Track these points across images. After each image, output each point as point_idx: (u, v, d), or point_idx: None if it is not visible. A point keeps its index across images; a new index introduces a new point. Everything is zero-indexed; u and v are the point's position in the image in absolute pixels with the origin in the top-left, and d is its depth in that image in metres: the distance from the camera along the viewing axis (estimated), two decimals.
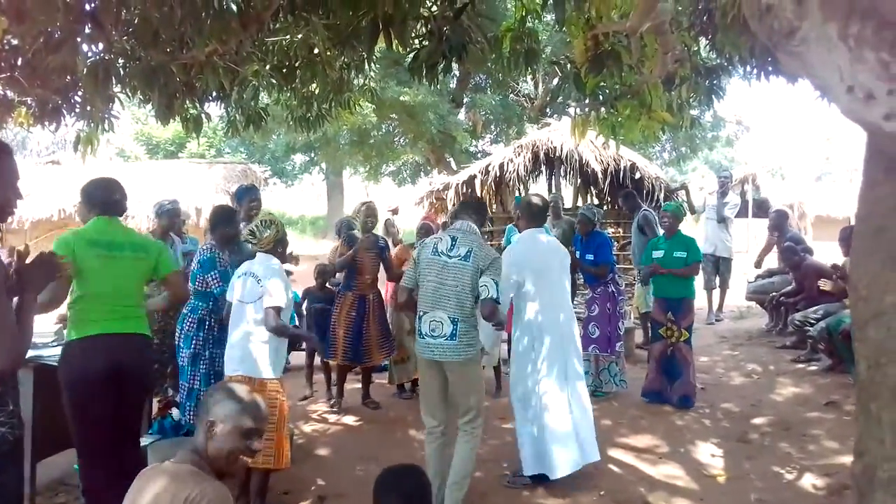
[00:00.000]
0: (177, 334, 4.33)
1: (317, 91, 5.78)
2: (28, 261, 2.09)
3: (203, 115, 5.37)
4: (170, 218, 5.41)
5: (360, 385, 5.97)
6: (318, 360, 6.26)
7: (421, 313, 3.73)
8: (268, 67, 5.03)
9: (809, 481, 4.25)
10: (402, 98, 12.36)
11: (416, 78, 4.81)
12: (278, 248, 3.90)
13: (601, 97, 6.09)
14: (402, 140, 15.34)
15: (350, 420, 5.48)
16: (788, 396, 6.11)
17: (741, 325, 9.34)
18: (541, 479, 4.21)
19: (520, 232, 4.59)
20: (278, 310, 3.68)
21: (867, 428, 1.27)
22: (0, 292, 1.89)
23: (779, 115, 59.04)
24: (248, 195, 5.42)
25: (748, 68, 6.04)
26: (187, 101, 5.18)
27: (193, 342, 4.21)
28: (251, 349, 3.68)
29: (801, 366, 7.05)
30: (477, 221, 3.89)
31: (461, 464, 3.71)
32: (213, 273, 4.20)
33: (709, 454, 4.77)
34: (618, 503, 4.00)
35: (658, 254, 6.01)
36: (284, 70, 5.06)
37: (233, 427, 1.90)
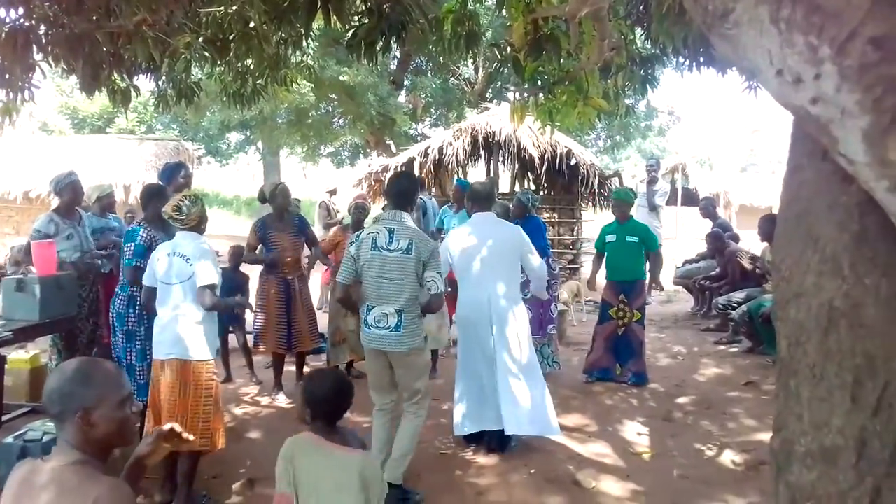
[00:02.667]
0: (110, 314, 4.26)
1: (252, 66, 5.61)
2: None
3: (132, 89, 5.13)
4: (72, 193, 5.08)
5: (294, 369, 5.85)
6: (234, 342, 6.15)
7: (368, 306, 3.72)
8: (200, 40, 4.84)
9: (729, 457, 4.43)
10: (341, 78, 12.15)
11: (355, 56, 4.72)
12: (202, 224, 3.77)
13: (539, 82, 6.13)
14: (341, 121, 15.10)
15: (284, 403, 5.39)
16: (711, 377, 6.37)
17: (668, 309, 9.66)
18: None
19: (470, 215, 4.72)
20: (213, 288, 3.57)
21: (786, 404, 1.32)
22: None
23: (708, 106, 61.01)
24: (178, 172, 5.19)
25: (680, 59, 6.17)
26: (115, 73, 4.94)
27: (126, 320, 4.14)
28: (182, 331, 3.55)
29: (723, 347, 7.36)
30: (406, 208, 3.83)
31: (404, 441, 3.77)
32: (128, 245, 4.10)
33: (635, 432, 4.91)
34: (548, 481, 4.07)
35: (611, 238, 6.15)
36: (218, 43, 4.88)
37: (110, 404, 1.68)
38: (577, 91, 5.80)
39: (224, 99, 6.32)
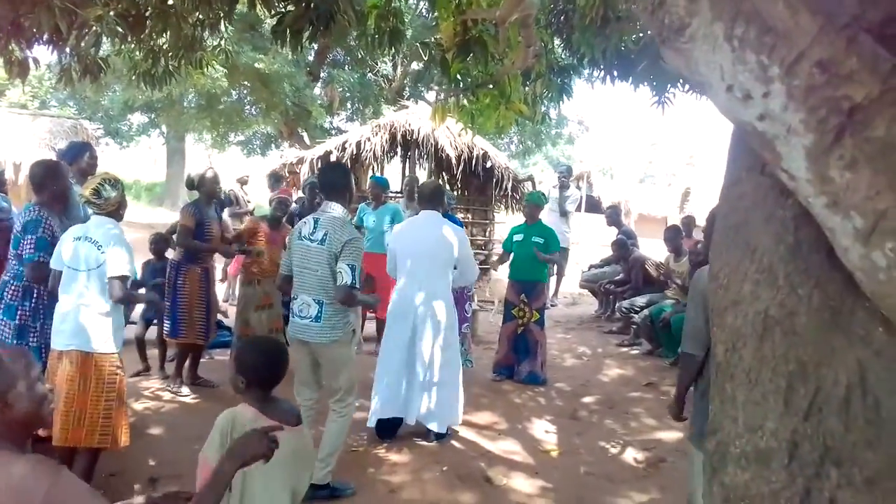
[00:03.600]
0: None
1: (166, 46, 5.33)
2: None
3: (31, 60, 4.75)
4: None
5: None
6: (149, 333, 5.82)
7: (293, 296, 3.73)
8: (112, 14, 4.55)
9: (631, 455, 4.62)
10: (256, 65, 11.75)
11: (279, 43, 4.59)
12: (120, 210, 3.53)
13: (462, 84, 6.16)
14: (253, 109, 14.62)
15: (187, 398, 5.15)
16: (614, 377, 6.62)
17: (574, 311, 9.97)
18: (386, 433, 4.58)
19: (416, 213, 4.94)
20: (124, 279, 3.35)
21: (722, 407, 1.37)
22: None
23: (610, 118, 63.46)
24: (83, 152, 4.82)
25: (595, 71, 6.34)
26: (12, 43, 4.56)
27: (19, 313, 3.70)
28: (86, 321, 3.31)
29: (625, 349, 7.66)
30: (339, 199, 3.76)
31: (329, 440, 3.72)
32: (28, 237, 3.63)
33: (543, 430, 5.04)
34: (460, 478, 4.09)
35: (518, 237, 6.28)
36: (131, 19, 4.60)
37: (24, 383, 1.67)
38: (499, 95, 5.89)
39: (133, 78, 5.97)
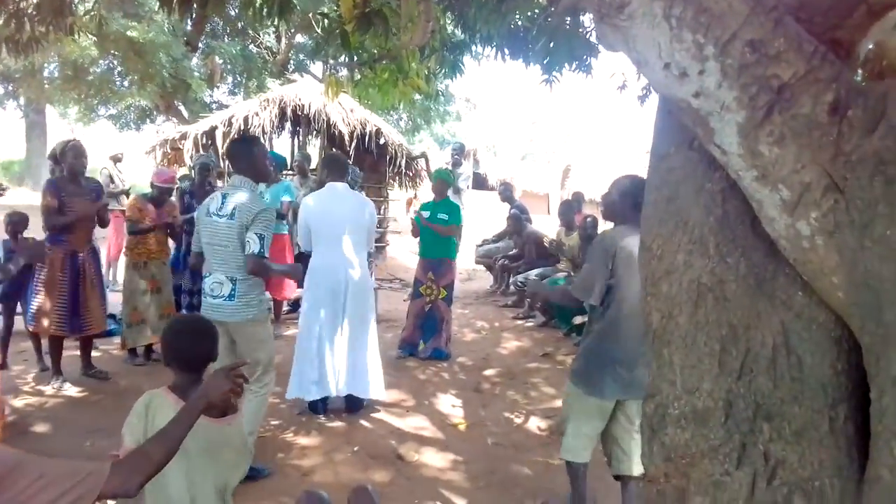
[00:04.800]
0: None
1: (30, 10, 4.85)
2: None
3: None
4: None
5: (78, 353, 5.19)
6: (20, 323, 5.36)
7: (204, 275, 3.64)
8: None
9: (534, 424, 4.78)
10: (129, 33, 10.93)
11: (166, 11, 4.29)
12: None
13: (358, 59, 6.05)
14: (126, 81, 13.62)
15: (73, 392, 4.80)
16: (512, 349, 6.81)
17: (469, 286, 10.14)
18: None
19: (322, 185, 4.84)
20: None
21: (660, 372, 1.44)
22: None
23: (493, 95, 64.58)
24: None
25: (487, 48, 6.39)
26: None
27: None
28: None
29: (520, 322, 7.90)
30: (247, 173, 3.62)
31: (252, 414, 3.60)
32: None
33: (450, 405, 5.11)
34: (372, 457, 4.09)
35: (425, 214, 6.29)
36: None
37: None
38: (398, 70, 5.83)
39: None
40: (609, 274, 2.96)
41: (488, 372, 6.00)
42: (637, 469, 3.08)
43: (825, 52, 1.31)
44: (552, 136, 46.06)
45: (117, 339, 5.70)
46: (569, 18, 5.10)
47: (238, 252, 3.51)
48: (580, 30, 5.30)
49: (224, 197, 3.59)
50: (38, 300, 4.78)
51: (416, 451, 4.21)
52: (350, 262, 4.59)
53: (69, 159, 4.86)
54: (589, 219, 7.22)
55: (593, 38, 5.44)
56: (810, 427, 1.29)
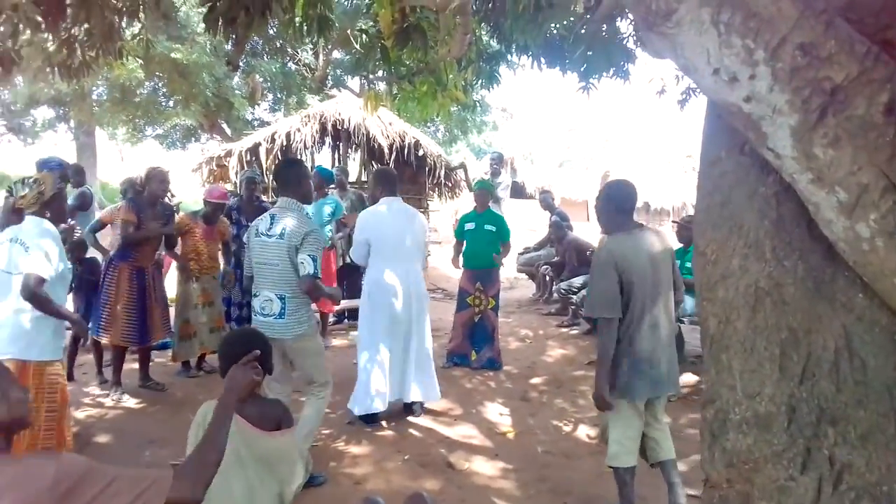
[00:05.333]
0: None
1: (81, 35, 5.06)
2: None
3: None
4: None
5: (136, 366, 5.38)
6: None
7: (254, 293, 3.75)
8: (24, 1, 4.27)
9: (583, 432, 4.75)
10: (173, 55, 11.27)
11: (212, 32, 4.43)
12: (46, 211, 3.32)
13: (396, 73, 6.12)
14: (171, 101, 14.03)
15: (131, 403, 4.96)
16: (558, 357, 6.77)
17: (512, 295, 10.12)
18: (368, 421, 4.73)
19: (375, 200, 4.92)
20: (41, 280, 3.13)
21: (718, 377, 1.44)
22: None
23: (530, 104, 64.40)
24: (57, 171, 4.67)
25: (523, 57, 6.41)
26: None
27: None
28: (24, 327, 3.13)
29: (565, 330, 7.85)
30: (294, 194, 3.75)
31: (309, 418, 3.81)
32: None
33: (497, 413, 5.11)
34: (422, 466, 4.12)
35: (470, 226, 6.29)
36: (43, 7, 4.34)
37: (3, 388, 1.65)
38: (436, 82, 5.89)
39: (48, 70, 5.63)
40: (618, 286, 3.07)
41: (535, 380, 5.98)
42: (670, 453, 3.37)
43: (878, 53, 1.30)
44: (590, 142, 45.68)
45: (170, 352, 5.86)
46: (605, 26, 5.10)
47: (287, 271, 3.60)
48: (617, 36, 5.29)
49: (273, 218, 3.69)
50: (107, 312, 5.01)
51: (467, 459, 4.22)
52: (412, 273, 4.77)
53: (153, 185, 5.16)
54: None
55: (631, 45, 5.43)
56: (876, 431, 1.27)
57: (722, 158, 1.56)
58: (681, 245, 6.35)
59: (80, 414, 4.67)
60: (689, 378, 5.93)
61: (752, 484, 1.35)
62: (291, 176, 3.80)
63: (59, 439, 3.25)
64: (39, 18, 4.27)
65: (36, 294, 3.10)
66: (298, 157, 10.06)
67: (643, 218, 20.04)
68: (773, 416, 1.34)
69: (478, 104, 10.19)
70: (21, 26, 4.31)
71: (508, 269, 10.63)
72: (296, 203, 3.72)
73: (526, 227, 16.93)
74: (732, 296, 1.45)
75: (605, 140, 44.56)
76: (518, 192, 18.44)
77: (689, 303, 5.99)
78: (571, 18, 5.63)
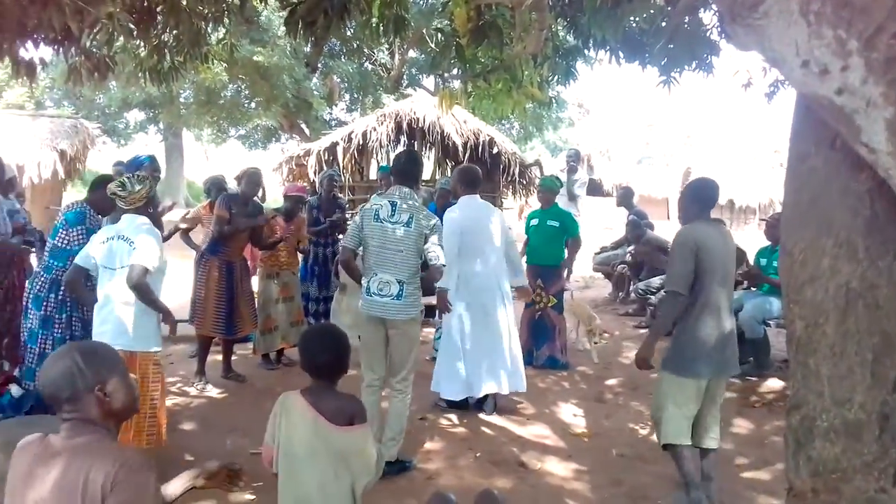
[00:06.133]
0: (25, 296, 3.95)
1: (170, 41, 5.31)
2: None
3: (37, 61, 4.73)
4: None
5: (220, 357, 5.61)
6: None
7: (370, 274, 3.89)
8: (118, 10, 4.52)
9: None
10: (255, 58, 11.69)
11: (292, 35, 4.57)
12: (149, 207, 3.54)
13: (471, 71, 6.13)
14: (253, 103, 14.56)
15: (214, 392, 5.18)
16: (634, 359, 6.60)
17: (587, 294, 9.95)
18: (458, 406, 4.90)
19: (456, 198, 5.04)
20: (145, 271, 3.33)
21: (805, 382, 1.38)
22: None
23: (606, 99, 63.19)
24: (144, 165, 4.93)
25: (601, 52, 6.28)
26: (17, 42, 4.53)
27: (45, 304, 3.83)
28: (128, 321, 3.34)
29: (643, 331, 7.65)
30: (411, 185, 3.98)
31: (396, 420, 3.95)
32: (78, 228, 3.82)
33: (571, 414, 5.05)
34: (494, 463, 4.12)
35: (534, 222, 6.25)
36: (135, 15, 4.58)
37: (119, 374, 1.78)
38: (511, 79, 5.86)
39: (140, 75, 5.94)
40: (693, 267, 3.33)
41: (610, 381, 5.87)
42: (716, 442, 3.61)
43: None
44: (670, 138, 44.44)
45: (251, 345, 6.08)
46: (688, 18, 4.95)
47: (410, 257, 3.82)
48: (701, 28, 5.13)
49: (394, 205, 3.85)
50: (198, 304, 5.27)
51: (539, 459, 4.20)
52: (499, 269, 4.88)
53: (244, 185, 5.37)
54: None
55: (714, 36, 5.25)
56: None
57: (811, 154, 1.49)
58: (769, 243, 6.12)
59: (167, 402, 4.91)
60: (774, 384, 5.70)
61: (839, 494, 1.29)
62: (411, 167, 4.06)
63: (160, 427, 3.48)
64: (132, 26, 4.51)
65: (140, 284, 3.30)
66: (374, 155, 10.26)
67: (727, 216, 19.35)
68: (863, 425, 1.27)
69: (552, 101, 10.06)
70: (115, 34, 4.56)
71: (584, 268, 10.47)
72: (412, 192, 3.92)
73: (602, 225, 16.62)
74: (821, 298, 1.38)
75: (687, 136, 43.25)
76: (595, 189, 18.13)
77: (775, 305, 5.76)
78: (651, 11, 5.50)
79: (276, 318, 5.71)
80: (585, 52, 6.31)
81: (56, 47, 5.06)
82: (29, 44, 4.66)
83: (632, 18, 5.36)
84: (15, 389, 4.00)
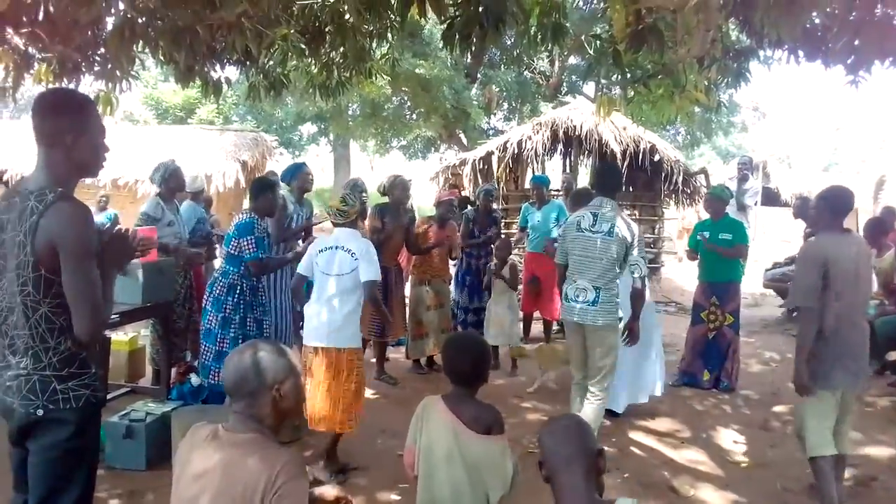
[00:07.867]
0: (205, 297, 4.33)
1: (338, 58, 5.65)
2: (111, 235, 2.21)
3: (223, 80, 5.24)
4: (177, 180, 5.26)
5: (373, 360, 5.86)
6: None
7: (570, 281, 4.09)
8: (291, 31, 4.88)
9: None
10: (417, 71, 12.12)
11: (449, 48, 4.68)
12: (358, 220, 4.06)
13: (631, 76, 5.92)
14: (414, 114, 15.12)
15: (367, 393, 5.37)
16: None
17: (756, 313, 9.26)
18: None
19: (570, 211, 5.12)
20: (376, 284, 3.84)
21: None
22: (90, 262, 1.96)
23: (787, 102, 58.43)
24: (300, 171, 5.43)
25: (778, 52, 5.83)
26: (207, 65, 5.04)
27: (224, 306, 4.20)
28: (341, 321, 3.79)
29: None
30: (607, 194, 4.13)
31: (590, 420, 3.96)
32: (247, 238, 4.14)
33: (731, 440, 4.72)
34: (643, 486, 3.93)
35: (703, 235, 5.91)
36: (307, 35, 4.92)
37: (295, 376, 1.90)
38: (673, 84, 5.60)
39: (310, 91, 6.38)
40: (823, 278, 3.27)
41: (778, 408, 5.40)
42: (848, 448, 3.65)
43: None
44: (862, 143, 40.31)
45: (403, 349, 6.28)
46: (878, 9, 4.45)
47: (608, 266, 3.97)
48: (894, 20, 4.59)
49: (595, 216, 4.03)
50: None
51: (692, 485, 3.95)
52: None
53: (396, 193, 5.62)
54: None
55: None
56: None
57: None
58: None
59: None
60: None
61: None
62: (610, 179, 4.28)
63: (357, 414, 3.91)
64: (303, 46, 4.86)
65: (374, 296, 3.85)
66: (529, 164, 10.22)
67: None
68: None
69: (723, 104, 9.46)
70: (289, 54, 4.94)
71: (754, 285, 9.73)
72: (614, 203, 4.07)
73: (779, 237, 15.36)
74: None
75: (882, 140, 38.95)
76: (771, 199, 16.81)
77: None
78: (835, 6, 5.02)
79: (427, 324, 5.86)
80: (760, 52, 5.90)
81: (239, 67, 5.59)
82: (216, 66, 5.19)
83: (812, 14, 4.92)
84: (195, 379, 4.44)
